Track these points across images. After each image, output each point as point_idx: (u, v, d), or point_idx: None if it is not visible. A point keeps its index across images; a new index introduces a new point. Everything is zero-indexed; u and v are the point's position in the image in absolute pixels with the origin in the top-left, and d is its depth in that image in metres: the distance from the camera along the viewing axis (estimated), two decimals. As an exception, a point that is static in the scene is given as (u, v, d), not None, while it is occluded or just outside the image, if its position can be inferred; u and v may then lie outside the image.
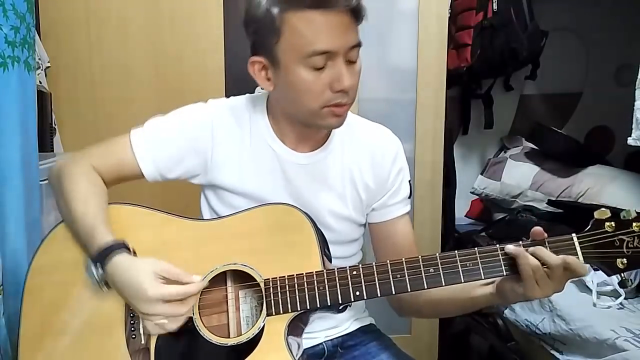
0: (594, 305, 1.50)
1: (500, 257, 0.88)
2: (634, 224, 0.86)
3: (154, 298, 0.83)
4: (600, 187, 1.96)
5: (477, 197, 2.40)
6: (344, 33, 0.90)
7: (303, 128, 1.02)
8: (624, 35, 2.34)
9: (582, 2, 2.32)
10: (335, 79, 0.91)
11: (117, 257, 0.87)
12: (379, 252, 1.13)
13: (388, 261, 0.90)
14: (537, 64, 2.23)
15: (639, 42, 2.25)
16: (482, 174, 2.35)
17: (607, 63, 2.45)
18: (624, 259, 0.86)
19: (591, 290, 1.52)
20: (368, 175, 1.07)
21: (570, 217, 1.87)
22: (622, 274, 0.88)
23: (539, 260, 0.86)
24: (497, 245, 0.89)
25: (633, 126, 1.40)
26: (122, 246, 0.88)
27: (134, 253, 0.90)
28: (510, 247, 0.88)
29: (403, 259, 0.90)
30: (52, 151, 1.70)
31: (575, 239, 0.88)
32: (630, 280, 0.93)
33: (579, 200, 1.99)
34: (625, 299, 1.50)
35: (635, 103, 1.40)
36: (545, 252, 0.86)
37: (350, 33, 0.91)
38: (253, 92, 1.12)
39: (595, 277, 1.53)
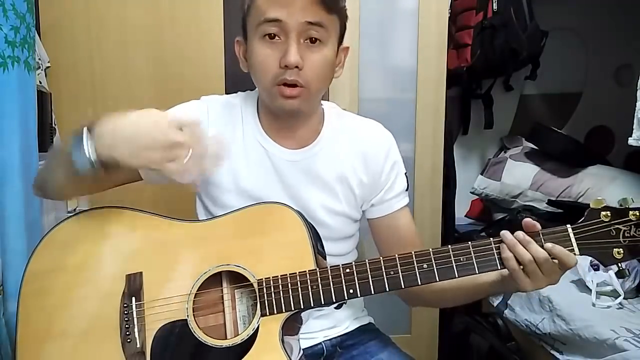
0: (593, 305, 1.49)
1: (494, 250, 0.88)
2: (631, 213, 0.85)
3: (173, 123, 0.77)
4: (600, 187, 1.96)
5: (477, 197, 2.39)
6: (300, 6, 0.91)
7: (282, 122, 1.03)
8: (624, 35, 2.33)
9: (582, 2, 2.32)
10: (283, 53, 0.92)
11: (101, 121, 0.80)
12: (382, 247, 1.12)
13: (381, 258, 0.90)
14: (537, 64, 2.23)
15: (639, 42, 2.25)
16: (482, 174, 2.34)
17: (607, 63, 2.45)
18: (621, 249, 0.86)
19: (591, 290, 1.52)
20: (361, 170, 1.07)
21: (571, 217, 1.87)
22: (620, 264, 0.87)
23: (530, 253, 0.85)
24: (491, 239, 0.88)
25: (634, 126, 1.40)
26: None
27: None
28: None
29: (396, 255, 0.89)
30: (52, 151, 1.70)
31: (569, 230, 0.87)
32: (628, 270, 0.92)
33: (579, 200, 1.99)
34: (624, 298, 1.50)
35: (637, 104, 1.40)
36: (533, 245, 0.85)
37: (308, 9, 0.91)
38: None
39: (595, 277, 1.53)
